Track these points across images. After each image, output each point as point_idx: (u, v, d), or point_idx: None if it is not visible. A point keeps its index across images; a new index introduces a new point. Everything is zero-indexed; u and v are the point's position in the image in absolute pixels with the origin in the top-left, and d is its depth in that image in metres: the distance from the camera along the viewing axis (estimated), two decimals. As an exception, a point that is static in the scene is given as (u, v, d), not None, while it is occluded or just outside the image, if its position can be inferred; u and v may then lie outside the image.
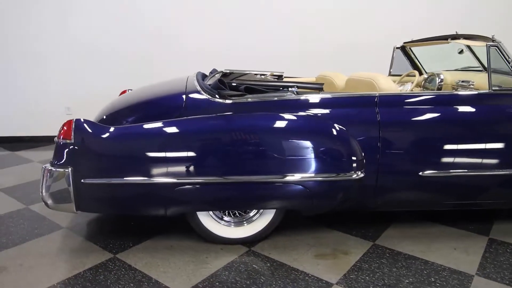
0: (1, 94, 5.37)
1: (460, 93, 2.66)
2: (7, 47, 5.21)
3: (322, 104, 2.49)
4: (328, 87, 3.47)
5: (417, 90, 3.71)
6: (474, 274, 2.25)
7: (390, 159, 2.47)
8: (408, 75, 3.71)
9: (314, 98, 2.50)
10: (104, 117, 2.59)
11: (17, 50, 5.23)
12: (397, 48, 3.97)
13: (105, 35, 5.24)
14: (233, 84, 2.58)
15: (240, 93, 2.48)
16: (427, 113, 2.51)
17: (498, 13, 5.19)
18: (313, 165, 2.36)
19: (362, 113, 2.48)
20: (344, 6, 5.22)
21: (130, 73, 5.25)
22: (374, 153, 2.44)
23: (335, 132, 2.39)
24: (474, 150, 2.54)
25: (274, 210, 2.52)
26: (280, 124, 2.36)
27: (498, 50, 2.65)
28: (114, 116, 2.57)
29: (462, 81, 3.37)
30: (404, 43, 3.89)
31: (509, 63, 2.65)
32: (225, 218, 2.56)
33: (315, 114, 2.44)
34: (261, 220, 2.54)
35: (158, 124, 2.33)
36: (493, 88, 2.62)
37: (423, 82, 3.74)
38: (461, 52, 3.58)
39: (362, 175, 2.42)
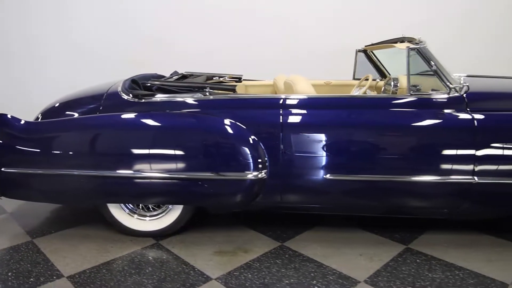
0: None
1: (371, 96, 2.62)
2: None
3: (228, 105, 2.56)
4: (286, 90, 3.50)
5: (372, 93, 3.63)
6: (362, 281, 2.20)
7: (293, 160, 2.47)
8: (366, 79, 3.64)
9: (221, 99, 2.57)
10: (40, 115, 2.83)
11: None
12: (359, 51, 3.90)
13: (99, 38, 5.44)
14: (147, 84, 2.71)
15: (151, 93, 2.61)
16: (332, 116, 2.49)
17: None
18: (213, 164, 2.43)
19: (266, 114, 2.51)
20: (336, 7, 5.14)
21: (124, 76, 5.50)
22: (277, 155, 2.46)
23: (235, 132, 2.44)
24: (383, 155, 2.48)
25: (181, 207, 2.61)
26: (177, 122, 2.46)
27: (419, 53, 2.56)
28: (48, 112, 2.81)
29: (412, 86, 3.25)
30: (365, 46, 3.81)
31: (432, 66, 2.56)
32: (136, 211, 2.69)
33: (219, 114, 2.51)
34: (169, 216, 2.64)
35: (63, 120, 2.55)
36: (411, 92, 2.55)
37: (384, 85, 3.66)
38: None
39: (265, 175, 2.45)
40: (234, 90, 2.70)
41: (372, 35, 4.62)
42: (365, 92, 3.35)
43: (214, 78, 3.79)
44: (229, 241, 2.64)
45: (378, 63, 3.87)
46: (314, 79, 3.89)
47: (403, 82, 3.45)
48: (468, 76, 3.54)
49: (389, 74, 3.87)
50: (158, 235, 2.67)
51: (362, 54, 3.90)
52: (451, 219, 2.89)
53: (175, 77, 3.48)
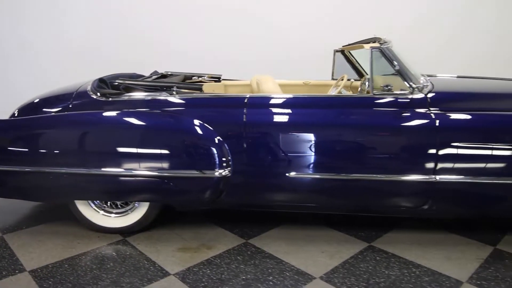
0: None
1: (333, 96, 2.66)
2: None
3: (193, 104, 2.60)
4: (258, 89, 3.54)
5: (348, 93, 3.66)
6: (318, 277, 2.23)
7: (256, 159, 2.51)
8: (342, 79, 3.67)
9: (186, 98, 2.62)
10: (16, 112, 2.89)
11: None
12: (336, 51, 3.92)
13: (94, 36, 5.47)
14: (115, 83, 2.76)
15: (118, 92, 2.66)
16: (294, 115, 2.53)
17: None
18: (176, 161, 2.48)
19: (230, 113, 2.55)
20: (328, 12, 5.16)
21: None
22: (240, 153, 2.50)
23: (198, 131, 2.48)
24: (344, 154, 2.51)
25: (148, 204, 2.66)
26: (143, 121, 2.50)
27: (382, 53, 2.59)
28: (23, 109, 2.87)
29: (385, 86, 3.28)
30: (343, 46, 3.84)
31: (394, 66, 2.58)
32: (103, 208, 2.74)
33: (184, 113, 2.55)
34: (136, 213, 2.68)
35: (31, 118, 2.61)
36: (374, 92, 2.57)
37: (360, 85, 3.68)
38: None
39: (228, 173, 2.49)
40: (200, 90, 2.74)
41: (358, 35, 4.67)
42: (340, 92, 3.37)
43: (193, 77, 3.84)
44: (196, 238, 2.68)
45: (356, 63, 3.89)
46: (301, 79, 3.95)
47: (378, 81, 3.48)
48: (458, 77, 3.56)
49: (367, 74, 3.89)
50: (126, 232, 2.71)
51: (340, 54, 3.92)
52: (421, 218, 2.91)
53: (154, 77, 3.53)
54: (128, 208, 2.71)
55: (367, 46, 2.72)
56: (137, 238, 2.67)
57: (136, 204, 2.68)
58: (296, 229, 2.81)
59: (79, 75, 5.45)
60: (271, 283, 2.17)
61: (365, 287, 2.14)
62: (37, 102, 2.86)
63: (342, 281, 2.19)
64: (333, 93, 3.54)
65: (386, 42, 2.70)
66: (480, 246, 2.58)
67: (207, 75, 3.93)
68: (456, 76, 3.54)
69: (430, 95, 2.54)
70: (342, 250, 2.53)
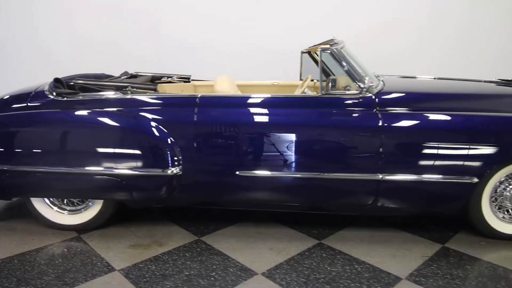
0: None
1: (283, 96, 2.73)
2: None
3: (146, 103, 2.64)
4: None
5: (313, 93, 3.70)
6: (260, 273, 2.27)
7: (205, 157, 2.56)
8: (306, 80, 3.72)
9: (140, 97, 2.66)
10: None
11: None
12: (303, 52, 3.97)
13: (103, 28, 5.38)
14: (71, 83, 2.81)
15: (73, 91, 2.71)
16: (242, 115, 2.57)
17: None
18: (128, 160, 2.53)
19: (182, 113, 2.60)
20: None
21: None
22: (191, 151, 2.55)
23: (149, 130, 2.53)
24: (292, 153, 2.55)
25: (102, 202, 2.71)
26: (91, 120, 2.56)
27: (331, 54, 2.64)
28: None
29: (346, 86, 3.33)
30: (309, 47, 3.89)
31: (343, 67, 2.63)
32: (59, 205, 2.78)
33: (137, 112, 2.60)
34: (90, 210, 2.73)
35: None
36: (323, 92, 2.62)
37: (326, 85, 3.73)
38: None
39: (179, 172, 2.54)
40: (155, 90, 2.79)
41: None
42: (303, 92, 3.42)
43: (162, 78, 3.89)
44: (150, 235, 2.72)
45: (323, 64, 3.93)
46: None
47: (341, 81, 3.52)
48: (435, 78, 3.59)
49: (334, 75, 3.93)
50: (81, 229, 2.76)
51: (307, 55, 3.97)
52: (376, 217, 2.95)
53: (123, 77, 3.59)
54: (81, 206, 2.75)
55: (317, 48, 2.77)
56: (92, 235, 2.72)
57: (90, 203, 2.72)
58: (250, 226, 2.85)
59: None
60: (212, 278, 2.21)
61: (304, 282, 2.18)
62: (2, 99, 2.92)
63: (283, 276, 2.23)
64: (298, 93, 3.60)
65: (337, 43, 2.75)
66: (429, 244, 2.61)
67: (176, 76, 3.98)
68: (433, 77, 3.55)
69: (378, 95, 2.58)
70: (291, 247, 2.57)
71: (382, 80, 2.93)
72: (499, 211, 2.64)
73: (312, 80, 3.72)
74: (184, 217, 2.98)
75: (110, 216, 2.77)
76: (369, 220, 2.93)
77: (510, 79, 3.27)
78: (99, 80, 2.96)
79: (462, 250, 2.54)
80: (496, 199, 2.61)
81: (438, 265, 2.37)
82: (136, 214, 3.02)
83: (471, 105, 2.63)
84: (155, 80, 3.79)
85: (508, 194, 2.58)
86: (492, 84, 3.24)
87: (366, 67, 3.32)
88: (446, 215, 2.84)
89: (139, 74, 3.88)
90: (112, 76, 3.62)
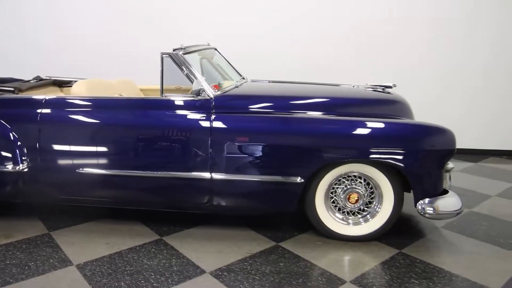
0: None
1: (125, 98, 2.88)
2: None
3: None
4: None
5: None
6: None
7: (49, 156, 2.72)
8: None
9: (-4, 97, 2.86)
10: None
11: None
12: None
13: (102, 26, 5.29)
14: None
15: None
16: (88, 115, 2.73)
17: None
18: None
19: (27, 113, 2.76)
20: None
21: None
22: (35, 150, 2.71)
23: (-4, 128, 2.72)
24: (130, 152, 2.70)
25: None
26: None
27: (171, 59, 2.78)
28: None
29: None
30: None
31: (183, 71, 2.77)
32: None
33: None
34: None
35: None
36: (164, 94, 2.76)
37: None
38: None
39: (25, 168, 2.70)
40: (14, 92, 2.99)
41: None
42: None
43: (71, 82, 4.08)
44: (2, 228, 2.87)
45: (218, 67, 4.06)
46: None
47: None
48: (304, 83, 3.67)
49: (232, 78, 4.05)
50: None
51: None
52: (212, 214, 3.00)
53: (32, 81, 3.80)
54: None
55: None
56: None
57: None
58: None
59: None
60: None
61: (109, 274, 2.29)
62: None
63: (92, 268, 2.35)
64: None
65: (183, 48, 2.88)
66: (263, 242, 2.67)
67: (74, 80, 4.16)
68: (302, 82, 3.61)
69: (215, 98, 2.70)
70: (126, 241, 2.68)
71: (237, 86, 3.06)
72: (339, 212, 2.70)
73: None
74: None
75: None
76: (229, 218, 3.01)
77: (382, 84, 3.29)
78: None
79: (290, 249, 2.60)
80: (333, 200, 2.69)
81: (254, 261, 2.44)
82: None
83: (309, 107, 2.77)
84: (58, 84, 3.98)
85: (342, 195, 2.65)
86: (352, 88, 3.31)
87: (232, 71, 3.44)
88: (287, 214, 2.92)
89: (52, 78, 4.09)
90: (21, 80, 3.84)
